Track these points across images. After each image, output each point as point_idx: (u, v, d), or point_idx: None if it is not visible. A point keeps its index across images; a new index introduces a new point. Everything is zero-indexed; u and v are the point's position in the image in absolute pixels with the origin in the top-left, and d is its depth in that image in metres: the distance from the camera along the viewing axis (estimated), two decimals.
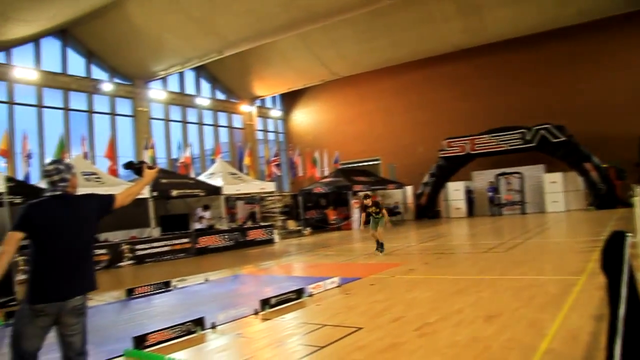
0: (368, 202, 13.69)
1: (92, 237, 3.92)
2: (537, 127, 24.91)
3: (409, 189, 29.11)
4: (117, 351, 5.79)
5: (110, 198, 3.95)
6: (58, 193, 3.69)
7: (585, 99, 25.68)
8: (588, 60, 26.10)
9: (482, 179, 27.87)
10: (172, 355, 5.44)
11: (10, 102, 21.77)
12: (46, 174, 3.72)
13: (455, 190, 28.03)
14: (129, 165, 4.29)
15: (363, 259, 12.91)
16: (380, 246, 13.52)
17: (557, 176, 25.17)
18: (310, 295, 8.23)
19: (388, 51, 28.43)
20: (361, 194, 17.98)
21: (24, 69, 21.99)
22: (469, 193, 28.01)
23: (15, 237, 3.48)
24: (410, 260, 12.43)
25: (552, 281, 8.24)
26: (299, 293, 8.07)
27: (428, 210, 28.12)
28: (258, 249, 18.47)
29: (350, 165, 31.00)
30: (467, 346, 5.08)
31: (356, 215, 25.67)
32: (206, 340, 6.18)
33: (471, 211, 27.80)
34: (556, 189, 25.22)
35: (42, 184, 3.49)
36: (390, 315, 6.63)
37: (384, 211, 13.69)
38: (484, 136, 26.52)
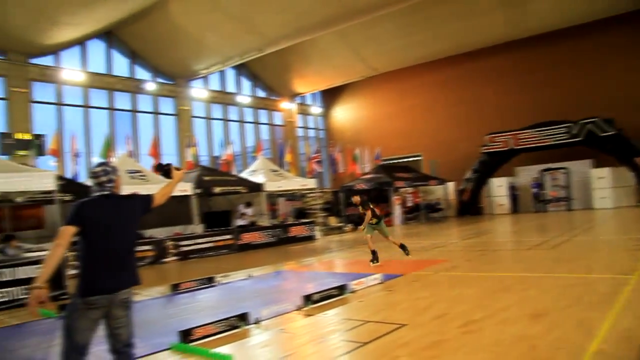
0: (356, 199, 12.19)
1: (136, 234, 4.12)
2: (584, 121, 24.23)
3: (451, 185, 28.76)
4: (163, 345, 5.93)
5: (149, 198, 4.14)
6: (106, 193, 3.88)
7: (636, 91, 24.80)
8: (638, 50, 25.22)
9: (526, 174, 27.30)
10: (217, 350, 5.53)
11: (59, 103, 22.50)
12: (94, 175, 3.91)
13: (498, 186, 27.54)
14: (159, 168, 4.49)
15: (405, 255, 12.77)
16: (374, 257, 11.64)
17: (605, 171, 24.44)
18: (353, 292, 8.22)
19: (428, 46, 28.13)
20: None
21: (71, 70, 22.66)
22: (512, 189, 27.47)
23: (69, 232, 3.64)
24: (452, 257, 12.29)
25: (601, 280, 8.02)
26: (341, 289, 8.08)
27: (470, 206, 27.72)
28: (299, 246, 18.55)
29: (391, 162, 30.82)
30: (512, 344, 5.00)
31: (397, 211, 25.54)
32: (250, 335, 6.26)
33: (515, 208, 27.28)
34: (604, 184, 24.50)
35: (90, 184, 3.66)
36: (433, 312, 6.58)
37: (368, 212, 11.84)
38: (528, 131, 25.96)
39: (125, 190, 14.86)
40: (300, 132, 35.09)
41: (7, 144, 19.37)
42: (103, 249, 3.73)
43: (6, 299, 9.46)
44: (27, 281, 9.31)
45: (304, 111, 35.59)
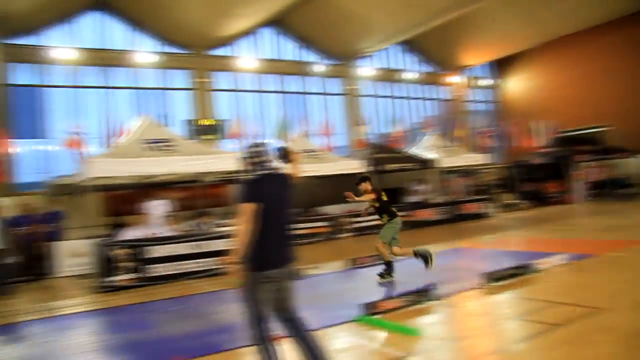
0: (365, 187, 8.90)
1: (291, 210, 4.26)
2: None
3: None
4: (345, 317, 6.10)
5: (291, 176, 4.31)
6: (269, 171, 4.10)
7: None
8: None
9: None
10: (400, 323, 5.55)
11: (236, 90, 24.24)
12: (255, 155, 4.14)
13: None
14: (279, 151, 4.56)
15: (592, 235, 11.74)
16: (387, 268, 8.66)
17: None
18: (537, 271, 7.75)
19: (610, 2, 25.29)
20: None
21: (245, 59, 24.19)
22: None
23: (251, 209, 3.84)
24: None
25: None
26: (525, 268, 7.67)
27: None
28: (474, 223, 17.96)
29: (570, 134, 28.45)
30: None
31: (578, 188, 23.64)
32: (431, 312, 6.20)
33: None
34: None
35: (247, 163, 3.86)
36: (636, 297, 5.95)
37: (371, 194, 8.84)
38: None
39: (304, 169, 15.55)
40: (470, 106, 33.82)
41: (194, 129, 21.32)
42: (275, 225, 3.93)
43: (202, 269, 10.50)
44: (219, 253, 10.23)
45: (473, 84, 34.16)
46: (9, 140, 17.36)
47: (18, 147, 18.52)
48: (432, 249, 11.71)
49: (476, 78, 34.26)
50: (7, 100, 18.79)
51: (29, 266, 12.53)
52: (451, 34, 28.75)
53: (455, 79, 32.27)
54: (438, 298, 6.54)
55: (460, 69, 32.36)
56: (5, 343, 6.93)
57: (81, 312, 8.35)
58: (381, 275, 8.55)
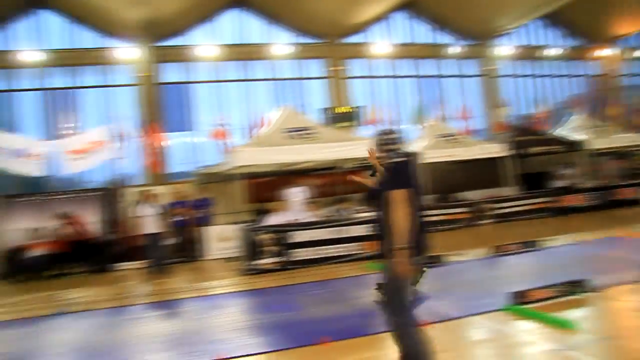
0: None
1: None
2: None
3: None
4: (489, 305, 5.90)
5: None
6: (404, 158, 3.98)
7: None
8: None
9: None
10: (552, 315, 5.23)
11: (370, 76, 24.28)
12: (393, 141, 4.10)
13: None
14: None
15: None
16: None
17: None
18: None
19: None
20: None
21: (378, 44, 24.07)
22: None
23: (406, 195, 3.74)
24: None
25: None
26: None
27: None
28: (630, 210, 16.35)
29: None
30: None
31: None
32: (585, 305, 5.76)
33: None
34: None
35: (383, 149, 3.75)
36: None
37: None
38: None
39: (438, 154, 15.26)
40: (624, 81, 30.80)
41: (330, 117, 21.66)
42: (419, 212, 3.85)
43: (343, 254, 10.69)
44: (359, 239, 10.55)
45: (628, 56, 31.02)
46: (162, 134, 18.89)
47: (169, 140, 20.09)
48: (582, 237, 10.99)
49: (632, 49, 31.06)
50: (159, 97, 20.49)
51: (183, 248, 13.62)
52: (600, 1, 26.30)
53: (606, 51, 29.57)
54: (593, 290, 6.05)
55: (611, 40, 29.55)
56: (164, 318, 7.60)
57: (230, 292, 8.89)
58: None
